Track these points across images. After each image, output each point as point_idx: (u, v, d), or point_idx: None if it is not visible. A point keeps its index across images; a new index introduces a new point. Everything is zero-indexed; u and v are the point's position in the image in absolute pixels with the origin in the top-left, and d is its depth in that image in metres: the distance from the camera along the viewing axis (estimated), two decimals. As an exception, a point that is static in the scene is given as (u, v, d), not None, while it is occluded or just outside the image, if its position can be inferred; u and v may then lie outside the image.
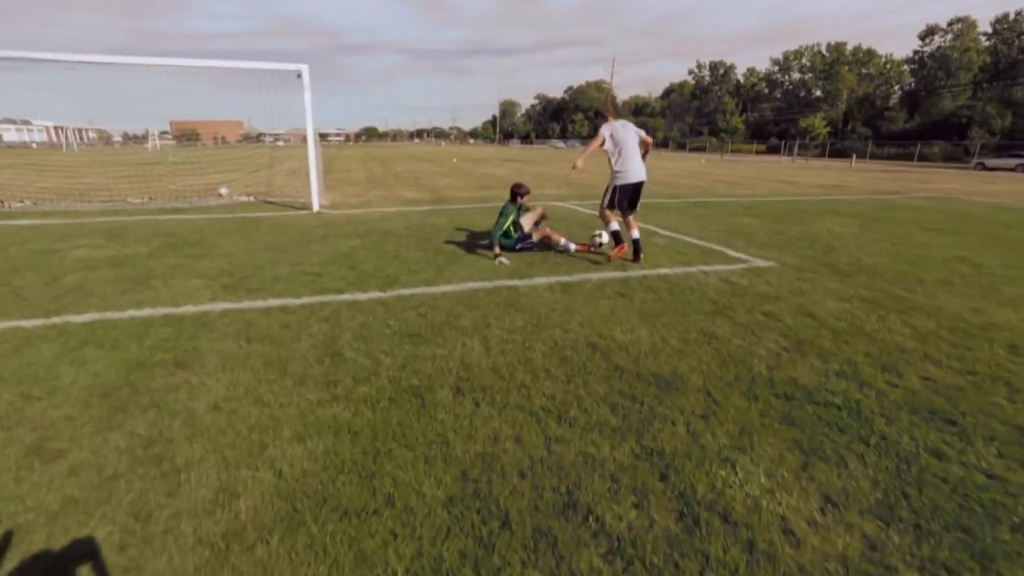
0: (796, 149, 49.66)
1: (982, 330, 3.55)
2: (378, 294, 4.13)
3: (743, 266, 5.29)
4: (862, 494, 1.87)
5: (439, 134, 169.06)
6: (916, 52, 63.85)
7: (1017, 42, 56.33)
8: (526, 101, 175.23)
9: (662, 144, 74.33)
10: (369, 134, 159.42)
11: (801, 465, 2.03)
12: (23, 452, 2.03)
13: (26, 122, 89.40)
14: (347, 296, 4.08)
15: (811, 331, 3.47)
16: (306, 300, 3.97)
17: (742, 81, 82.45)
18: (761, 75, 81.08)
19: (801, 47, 74.33)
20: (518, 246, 5.65)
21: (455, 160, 29.85)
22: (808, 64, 73.03)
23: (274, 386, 2.62)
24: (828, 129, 61.03)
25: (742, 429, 2.28)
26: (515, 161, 30.65)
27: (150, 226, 7.39)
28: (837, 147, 53.05)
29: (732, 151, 61.33)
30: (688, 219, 8.53)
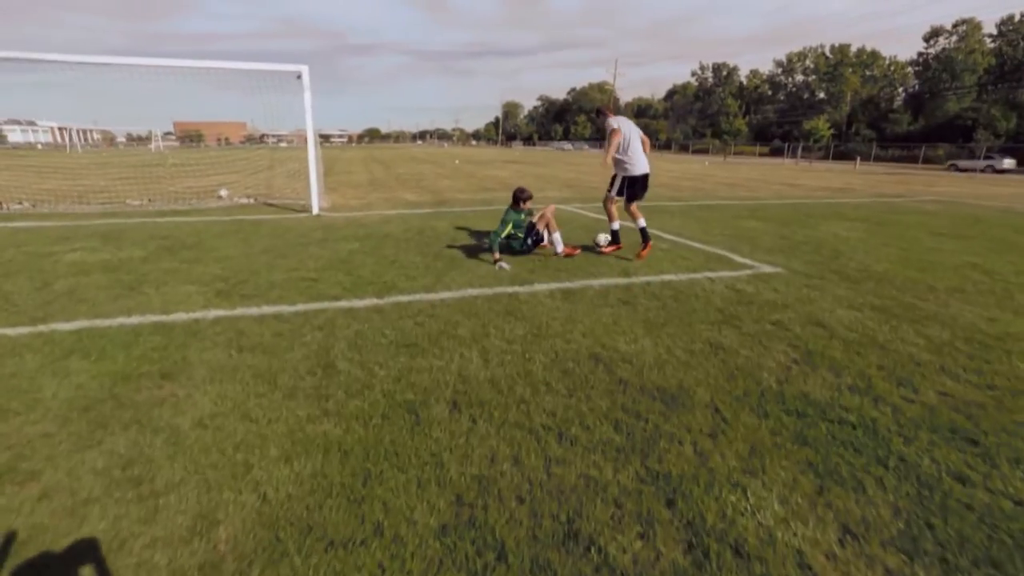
0: (799, 151, 49.44)
1: (999, 340, 3.42)
2: (375, 301, 4.03)
3: (749, 272, 5.17)
4: (883, 524, 1.75)
5: (442, 135, 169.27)
6: (920, 54, 63.65)
7: (1022, 44, 56.04)
8: (529, 103, 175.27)
9: (664, 146, 74.20)
10: (372, 135, 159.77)
11: (816, 490, 1.91)
12: (-5, 472, 1.93)
13: (31, 123, 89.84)
14: (343, 303, 3.98)
15: (821, 342, 3.35)
16: (301, 307, 3.87)
17: (745, 83, 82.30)
18: (764, 77, 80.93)
19: (805, 49, 74.21)
20: (529, 240, 5.57)
21: (457, 162, 29.79)
22: (812, 66, 72.84)
23: (263, 400, 2.51)
24: (832, 131, 60.78)
25: (752, 449, 2.16)
26: (517, 163, 30.57)
27: (147, 229, 7.31)
28: (841, 149, 52.81)
29: (735, 153, 61.17)
30: (692, 222, 8.42)
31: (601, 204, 6.31)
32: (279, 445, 2.15)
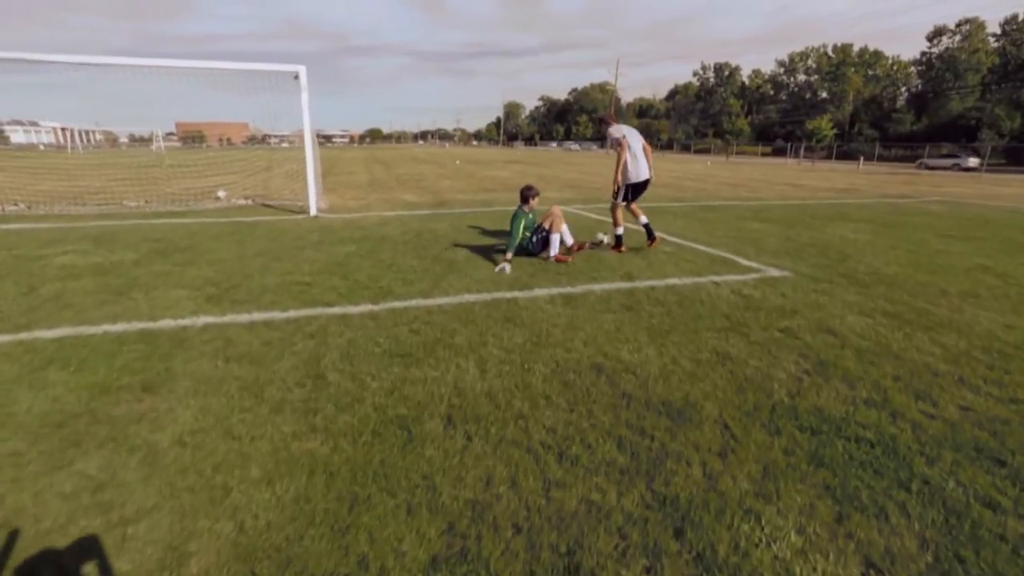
0: (802, 151, 49.21)
1: (1018, 349, 3.28)
2: (370, 307, 3.90)
3: (755, 276, 5.03)
4: (910, 557, 1.61)
5: (443, 136, 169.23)
6: (924, 53, 63.33)
7: (1026, 43, 55.71)
8: (530, 103, 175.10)
9: (666, 146, 73.95)
10: (373, 136, 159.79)
11: (835, 517, 1.78)
12: (-43, 497, 1.81)
13: (34, 123, 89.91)
14: (337, 309, 3.85)
15: (833, 351, 3.22)
16: (292, 314, 3.75)
17: (747, 83, 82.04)
18: (766, 77, 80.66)
19: (807, 49, 73.92)
20: (535, 238, 5.49)
21: (458, 162, 29.67)
22: (814, 66, 72.57)
23: (248, 415, 2.38)
24: (835, 131, 60.52)
25: (765, 471, 2.03)
26: (519, 163, 30.44)
27: (142, 231, 7.20)
28: (843, 149, 52.59)
29: (737, 153, 60.97)
30: (695, 224, 8.28)
31: (608, 209, 6.46)
32: (261, 465, 2.02)
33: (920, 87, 63.95)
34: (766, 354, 3.15)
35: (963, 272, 5.35)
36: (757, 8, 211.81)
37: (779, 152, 57.90)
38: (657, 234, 6.13)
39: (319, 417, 2.37)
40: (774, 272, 5.18)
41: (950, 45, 60.54)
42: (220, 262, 5.32)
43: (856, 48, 68.72)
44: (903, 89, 67.24)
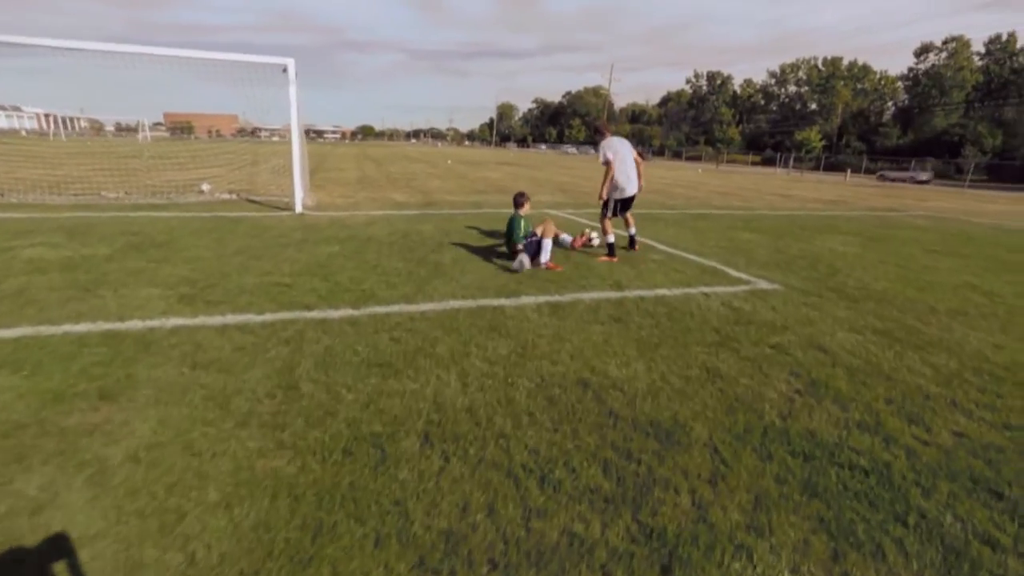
0: (791, 162, 49.80)
1: (1008, 371, 3.24)
2: (350, 312, 3.75)
3: (745, 288, 4.97)
4: (908, 601, 1.52)
5: (436, 135, 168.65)
6: (911, 69, 64.57)
7: (1009, 63, 57.09)
8: (524, 104, 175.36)
9: (658, 152, 74.42)
10: (366, 132, 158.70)
11: (831, 555, 1.69)
12: None
13: (16, 108, 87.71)
14: (315, 313, 3.70)
15: (824, 369, 3.15)
16: (268, 317, 3.59)
17: (739, 92, 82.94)
18: (758, 87, 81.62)
19: (798, 60, 74.96)
20: (526, 239, 5.44)
21: (450, 162, 29.49)
22: (804, 77, 73.60)
23: (211, 429, 2.23)
24: (823, 143, 61.39)
25: (757, 501, 1.93)
26: (511, 165, 30.34)
27: (119, 223, 6.95)
28: (832, 161, 53.36)
29: (727, 161, 61.52)
30: (686, 233, 8.23)
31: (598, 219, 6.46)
32: (220, 487, 1.87)
33: (906, 102, 65.18)
34: (757, 371, 3.07)
35: (951, 289, 5.34)
36: (751, 18, 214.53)
37: (769, 162, 58.57)
38: (646, 242, 6.38)
39: (287, 432, 2.23)
40: (764, 284, 5.13)
41: (936, 62, 61.82)
42: (197, 260, 5.13)
43: (845, 62, 69.86)
44: (890, 103, 68.49)
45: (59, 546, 1.58)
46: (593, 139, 6.51)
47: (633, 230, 6.34)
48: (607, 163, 5.83)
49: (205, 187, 10.94)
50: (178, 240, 6.03)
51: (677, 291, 4.72)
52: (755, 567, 1.62)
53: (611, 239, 5.91)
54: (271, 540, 1.64)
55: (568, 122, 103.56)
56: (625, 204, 6.13)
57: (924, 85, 61.80)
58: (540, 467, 2.07)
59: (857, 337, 3.74)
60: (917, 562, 1.67)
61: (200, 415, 2.33)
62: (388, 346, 3.17)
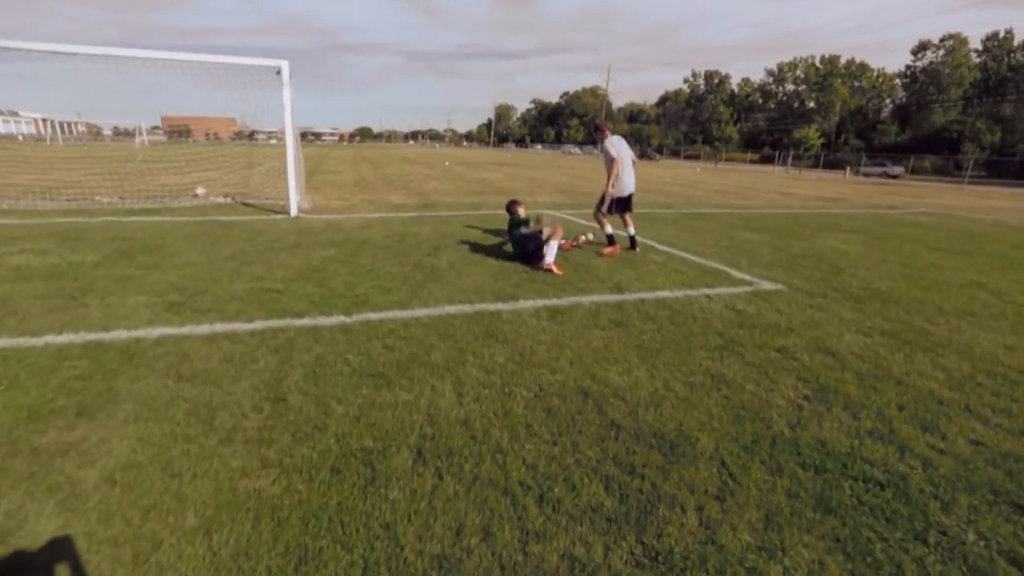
0: (790, 160, 49.72)
1: (1023, 375, 3.14)
2: (342, 319, 3.65)
3: (748, 289, 4.87)
4: (934, 631, 1.42)
5: (434, 136, 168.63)
6: (908, 67, 64.54)
7: (1006, 59, 57.07)
8: (522, 105, 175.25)
9: (657, 150, 74.26)
10: (363, 134, 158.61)
11: (848, 579, 1.58)
12: None
13: (14, 113, 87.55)
14: (307, 321, 3.59)
15: (833, 374, 3.04)
16: (259, 325, 3.48)
17: (737, 91, 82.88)
18: (755, 85, 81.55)
19: (795, 59, 74.91)
20: (528, 231, 5.53)
21: (447, 163, 29.39)
22: (802, 76, 73.54)
23: (192, 446, 2.13)
24: (821, 140, 61.35)
25: (768, 519, 1.83)
26: (509, 165, 30.25)
27: (110, 229, 6.84)
28: (830, 158, 53.27)
29: (726, 160, 61.45)
30: (685, 232, 8.13)
31: (592, 215, 6.86)
32: (200, 510, 1.77)
33: (904, 99, 65.15)
34: (763, 377, 2.97)
35: (957, 288, 5.24)
36: (748, 17, 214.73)
37: (767, 160, 58.52)
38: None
39: (273, 449, 2.12)
40: (767, 285, 5.03)
41: (934, 59, 61.78)
42: (188, 265, 5.02)
43: (843, 59, 69.81)
44: (888, 101, 68.43)
45: (22, 580, 1.47)
46: (593, 137, 6.91)
47: (632, 230, 6.36)
48: (613, 160, 5.98)
49: (200, 191, 10.83)
50: (170, 245, 5.92)
51: (679, 293, 4.62)
52: (769, 594, 1.52)
53: (609, 230, 6.14)
54: (252, 569, 1.53)
55: (566, 122, 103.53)
56: (624, 203, 6.25)
57: (922, 82, 61.78)
58: (539, 484, 1.97)
59: (865, 339, 3.64)
60: (941, 586, 1.57)
61: (182, 431, 2.23)
62: (381, 354, 3.07)
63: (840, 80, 67.73)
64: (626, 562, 1.62)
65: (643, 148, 63.72)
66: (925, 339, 3.70)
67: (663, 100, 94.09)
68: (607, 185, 6.05)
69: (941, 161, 45.93)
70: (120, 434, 2.19)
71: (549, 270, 5.14)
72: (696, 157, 65.87)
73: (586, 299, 4.33)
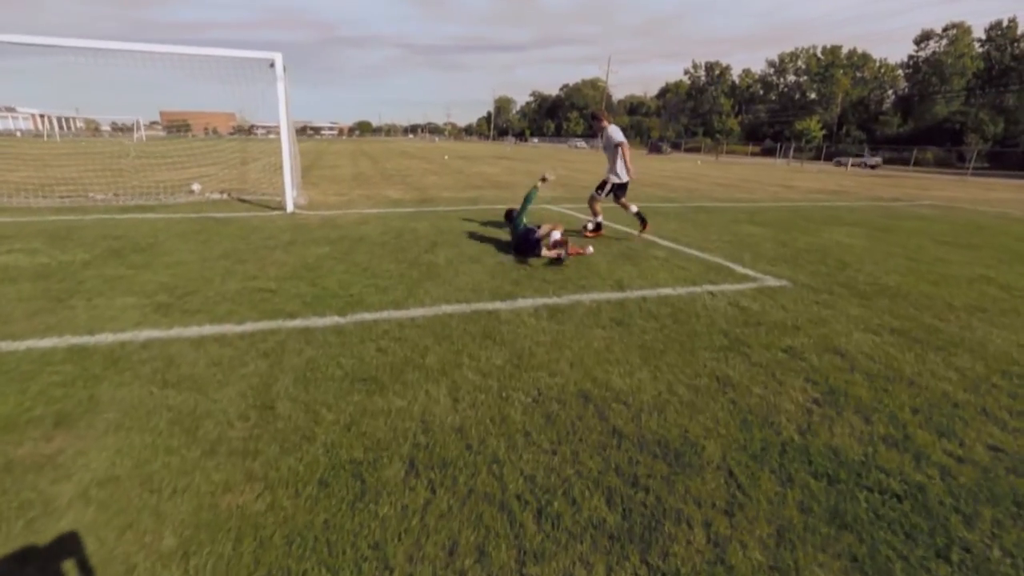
0: (792, 152, 49.40)
1: (1039, 375, 3.03)
2: (336, 320, 3.54)
3: (753, 285, 4.75)
4: (963, 662, 1.32)
5: (433, 130, 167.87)
6: (911, 57, 64.00)
7: (1010, 49, 56.55)
8: (521, 98, 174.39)
9: (667, 144, 73.64)
10: (363, 129, 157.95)
11: (868, 603, 1.48)
12: None
13: (11, 109, 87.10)
14: (299, 322, 3.48)
15: (842, 375, 2.94)
16: (249, 327, 3.37)
17: (737, 82, 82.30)
18: (756, 77, 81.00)
19: (796, 49, 74.30)
20: (531, 237, 5.49)
21: (446, 157, 29.19)
22: (803, 67, 73.00)
23: (174, 458, 2.03)
24: (823, 132, 60.93)
25: (779, 535, 1.73)
26: (508, 159, 30.04)
27: (103, 227, 6.73)
28: (832, 150, 52.94)
29: (727, 152, 61.09)
30: (688, 227, 8.00)
31: (587, 202, 7.18)
32: (178, 530, 1.67)
33: (907, 90, 64.65)
34: (770, 379, 2.86)
35: (966, 283, 5.13)
36: (749, 8, 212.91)
37: (768, 152, 58.17)
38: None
39: (259, 462, 2.02)
40: (772, 281, 4.91)
41: (936, 49, 61.24)
42: (179, 264, 4.91)
43: (845, 50, 69.23)
44: (890, 92, 67.93)
45: (-17, 611, 1.37)
46: (592, 127, 7.07)
47: (635, 208, 6.92)
48: (620, 144, 6.43)
49: (196, 187, 10.70)
50: (162, 244, 5.81)
51: (681, 290, 4.50)
52: (783, 621, 1.42)
53: (600, 219, 6.79)
54: (229, 597, 1.44)
55: (566, 115, 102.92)
56: (620, 190, 6.74)
57: (924, 73, 61.28)
58: (537, 498, 1.87)
59: (874, 338, 3.53)
60: (967, 610, 1.47)
61: (164, 442, 2.13)
62: (374, 357, 2.96)
63: (842, 71, 67.22)
64: (630, 585, 1.52)
65: (654, 141, 62.76)
66: (936, 337, 3.59)
67: (663, 92, 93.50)
68: (617, 171, 6.53)
69: (944, 153, 45.62)
70: (99, 445, 2.09)
71: (559, 258, 5.18)
72: (697, 150, 65.43)
73: (586, 297, 4.21)
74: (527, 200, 5.82)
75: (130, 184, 10.96)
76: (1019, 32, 56.09)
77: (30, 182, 10.41)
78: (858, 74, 68.19)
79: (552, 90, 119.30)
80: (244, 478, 1.93)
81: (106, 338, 3.14)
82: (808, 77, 71.89)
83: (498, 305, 3.93)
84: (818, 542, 1.70)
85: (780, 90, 77.21)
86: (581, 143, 75.35)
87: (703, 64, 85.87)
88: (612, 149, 6.56)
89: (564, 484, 1.95)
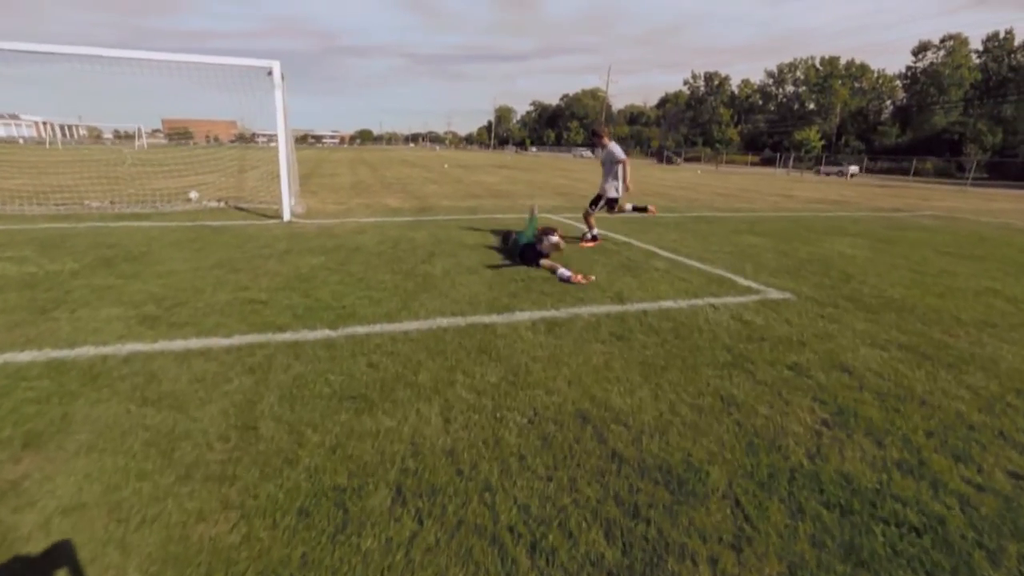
0: (791, 161, 49.51)
1: (1055, 394, 2.92)
2: (327, 333, 3.43)
3: (756, 298, 4.65)
4: None
5: (434, 138, 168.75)
6: (909, 68, 64.40)
7: (1007, 60, 56.91)
8: (522, 107, 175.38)
9: (656, 154, 73.94)
10: (364, 137, 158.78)
11: (890, 653, 1.36)
12: None
13: (14, 117, 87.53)
14: (288, 335, 3.38)
15: (851, 394, 2.82)
16: (236, 340, 3.26)
17: (737, 93, 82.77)
18: (755, 87, 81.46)
19: (795, 60, 74.79)
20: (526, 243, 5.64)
21: (446, 166, 29.22)
22: (802, 77, 73.42)
23: (146, 484, 1.91)
24: (822, 142, 61.16)
25: (791, 572, 1.61)
26: (508, 168, 30.07)
27: (96, 235, 6.64)
28: (831, 160, 53.09)
29: (727, 162, 61.24)
30: (688, 237, 7.91)
31: (582, 216, 7.47)
32: (143, 565, 1.55)
33: (905, 101, 64.96)
34: (776, 398, 2.75)
35: (973, 296, 5.02)
36: (748, 19, 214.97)
37: (768, 162, 58.29)
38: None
39: (236, 488, 1.90)
40: (775, 294, 4.81)
41: (934, 60, 61.61)
42: (170, 274, 4.81)
43: (843, 61, 69.68)
44: (888, 102, 68.26)
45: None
46: (592, 142, 7.57)
47: (630, 206, 7.29)
48: (622, 161, 6.70)
49: (193, 195, 10.64)
50: (154, 253, 5.71)
51: (683, 303, 4.40)
52: (798, 675, 1.29)
53: (596, 231, 7.00)
54: (193, 645, 1.31)
55: (566, 124, 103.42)
56: (613, 202, 6.97)
57: (922, 83, 61.60)
58: (531, 531, 1.75)
59: (882, 354, 3.42)
60: (998, 662, 1.35)
61: (137, 466, 2.01)
62: (365, 374, 2.85)
63: (840, 81, 67.59)
64: (631, 632, 1.40)
65: (666, 152, 62.36)
66: (946, 353, 3.48)
67: (663, 102, 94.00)
68: (614, 186, 6.80)
69: (943, 163, 45.71)
70: (68, 469, 1.97)
71: (551, 268, 5.22)
72: (697, 159, 65.61)
73: (585, 310, 4.11)
74: (530, 224, 6.15)
75: (127, 192, 10.90)
76: (1016, 43, 56.49)
77: (25, 189, 10.34)
78: (856, 85, 68.58)
79: (552, 100, 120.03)
80: (219, 506, 1.81)
81: (87, 351, 3.03)
82: (807, 87, 72.29)
83: (495, 318, 3.82)
84: (833, 582, 1.58)
85: (779, 100, 77.62)
86: (587, 152, 74.81)
87: (702, 74, 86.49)
88: (611, 165, 6.82)
89: (560, 515, 1.83)
